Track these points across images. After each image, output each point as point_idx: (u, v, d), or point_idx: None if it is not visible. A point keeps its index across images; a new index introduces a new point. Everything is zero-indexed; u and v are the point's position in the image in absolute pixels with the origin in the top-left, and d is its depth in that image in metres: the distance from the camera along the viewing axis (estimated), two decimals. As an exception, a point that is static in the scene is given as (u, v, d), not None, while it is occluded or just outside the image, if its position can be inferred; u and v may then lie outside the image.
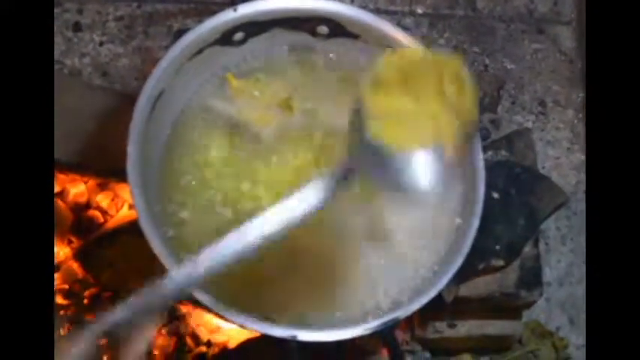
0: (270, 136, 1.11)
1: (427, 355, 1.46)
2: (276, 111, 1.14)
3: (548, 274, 1.55)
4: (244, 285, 1.04)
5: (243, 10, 1.10)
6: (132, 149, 1.00)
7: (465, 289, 1.28)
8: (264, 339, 0.99)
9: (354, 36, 1.16)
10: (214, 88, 1.14)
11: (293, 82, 1.16)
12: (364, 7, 1.20)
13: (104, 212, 1.47)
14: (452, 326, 1.41)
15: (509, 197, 1.27)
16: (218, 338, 1.41)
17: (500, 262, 1.25)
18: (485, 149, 1.15)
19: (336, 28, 1.15)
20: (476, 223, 1.07)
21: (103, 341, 1.38)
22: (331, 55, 1.18)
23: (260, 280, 1.05)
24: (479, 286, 1.29)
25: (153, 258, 0.97)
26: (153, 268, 1.38)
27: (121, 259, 1.40)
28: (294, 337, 0.96)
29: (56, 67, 1.58)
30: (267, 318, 1.01)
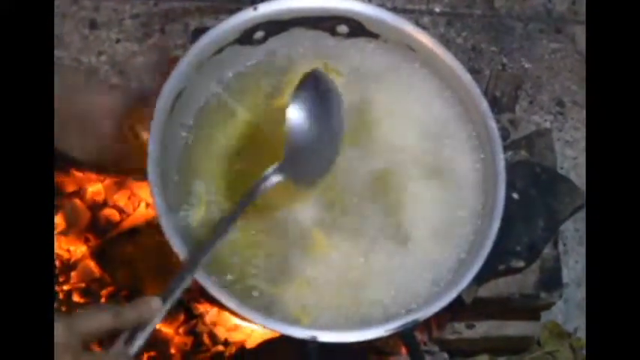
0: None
1: (445, 355, 1.45)
2: None
3: (566, 276, 1.53)
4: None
5: (264, 9, 1.10)
6: (152, 148, 1.00)
7: (485, 290, 1.27)
8: (284, 339, 0.98)
9: (374, 35, 1.16)
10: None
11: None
12: (382, 6, 1.19)
13: (121, 211, 1.47)
14: (470, 327, 1.40)
15: (530, 198, 1.26)
16: (236, 337, 1.41)
17: (521, 264, 1.24)
18: (504, 149, 1.14)
19: (356, 27, 1.15)
20: (496, 224, 1.06)
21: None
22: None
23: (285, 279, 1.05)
24: (499, 287, 1.28)
25: (169, 256, 0.97)
26: (170, 267, 1.38)
27: (138, 258, 1.41)
28: (314, 338, 0.96)
29: (73, 65, 1.58)
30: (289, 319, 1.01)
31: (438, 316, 1.35)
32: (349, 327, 1.01)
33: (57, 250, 1.42)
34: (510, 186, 1.13)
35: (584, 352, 1.50)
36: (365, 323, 1.01)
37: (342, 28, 1.16)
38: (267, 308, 1.01)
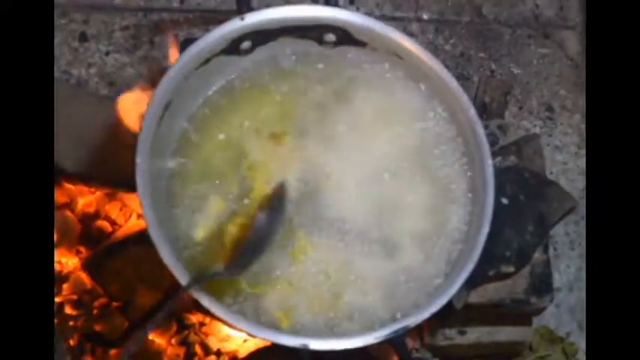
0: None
1: (437, 361, 1.46)
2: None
3: (557, 280, 1.54)
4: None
5: (251, 19, 1.10)
6: (140, 160, 1.00)
7: (475, 296, 1.28)
8: (275, 348, 0.98)
9: (362, 44, 1.16)
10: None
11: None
12: (370, 14, 1.19)
13: (113, 222, 1.47)
14: (462, 333, 1.41)
15: (519, 203, 1.27)
16: (228, 347, 1.41)
17: (511, 269, 1.25)
18: (493, 155, 1.14)
19: (344, 36, 1.15)
20: (486, 229, 1.06)
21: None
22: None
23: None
24: (489, 292, 1.29)
25: (161, 267, 0.97)
26: (161, 278, 1.38)
27: (130, 269, 1.40)
28: (306, 345, 0.96)
29: (63, 77, 1.58)
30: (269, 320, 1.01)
31: (429, 322, 1.36)
32: (340, 334, 1.02)
33: (49, 262, 1.42)
34: (499, 191, 1.13)
35: (576, 356, 1.50)
36: (356, 330, 1.02)
37: (330, 37, 1.16)
38: (246, 309, 1.02)
